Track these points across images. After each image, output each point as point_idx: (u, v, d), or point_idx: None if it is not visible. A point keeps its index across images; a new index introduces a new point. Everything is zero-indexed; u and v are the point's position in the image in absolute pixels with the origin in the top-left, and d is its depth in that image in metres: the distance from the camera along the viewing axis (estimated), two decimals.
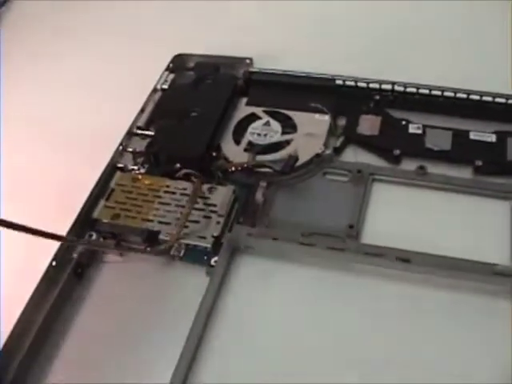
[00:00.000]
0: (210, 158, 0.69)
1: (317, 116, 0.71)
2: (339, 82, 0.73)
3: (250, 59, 0.79)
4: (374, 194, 0.66)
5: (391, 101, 0.72)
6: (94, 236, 0.65)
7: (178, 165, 0.67)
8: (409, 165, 0.67)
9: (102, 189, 0.68)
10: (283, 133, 0.70)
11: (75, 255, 0.64)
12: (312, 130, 0.70)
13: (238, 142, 0.71)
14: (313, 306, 0.59)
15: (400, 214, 0.64)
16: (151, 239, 0.63)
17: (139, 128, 0.73)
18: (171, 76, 0.79)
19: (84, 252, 0.64)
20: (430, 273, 0.58)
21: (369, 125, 0.70)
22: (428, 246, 0.59)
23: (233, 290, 0.61)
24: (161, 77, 0.79)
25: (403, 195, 0.66)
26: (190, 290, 0.61)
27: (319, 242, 0.61)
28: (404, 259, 0.58)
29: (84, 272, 0.64)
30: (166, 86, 0.78)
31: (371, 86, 0.72)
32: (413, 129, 0.69)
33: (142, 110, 0.75)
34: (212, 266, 0.61)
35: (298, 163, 0.66)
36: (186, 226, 0.63)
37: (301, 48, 0.84)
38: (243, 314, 0.60)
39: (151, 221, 0.64)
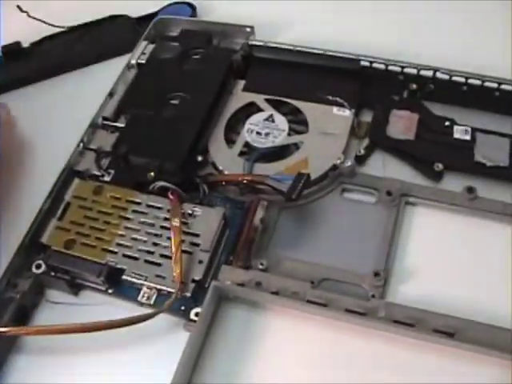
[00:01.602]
0: (195, 164, 0.51)
1: (335, 110, 0.52)
2: (365, 63, 0.54)
3: (251, 27, 0.58)
4: (407, 222, 0.48)
5: (431, 92, 0.53)
6: (43, 267, 0.47)
7: (151, 174, 0.49)
8: (454, 183, 0.49)
9: (54, 202, 0.50)
10: (291, 132, 0.52)
11: (17, 294, 0.47)
12: (328, 128, 0.51)
13: (231, 142, 0.52)
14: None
15: (443, 253, 0.47)
16: (112, 279, 0.46)
17: (106, 119, 0.54)
18: (151, 47, 0.58)
19: (29, 289, 0.47)
20: (483, 353, 0.41)
21: (402, 125, 0.52)
22: (482, 306, 0.43)
23: (218, 353, 0.45)
24: (137, 48, 0.58)
25: (447, 226, 0.48)
26: (164, 345, 0.45)
27: (333, 299, 0.43)
28: (447, 332, 0.41)
29: (28, 315, 0.47)
30: (143, 61, 0.57)
31: (407, 70, 0.53)
32: (459, 133, 0.51)
33: (111, 94, 0.55)
34: (192, 321, 0.44)
35: (311, 177, 0.48)
36: (158, 264, 0.46)
37: (317, 18, 0.63)
38: None
39: (114, 253, 0.47)
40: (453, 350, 0.41)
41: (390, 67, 0.53)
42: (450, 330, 0.41)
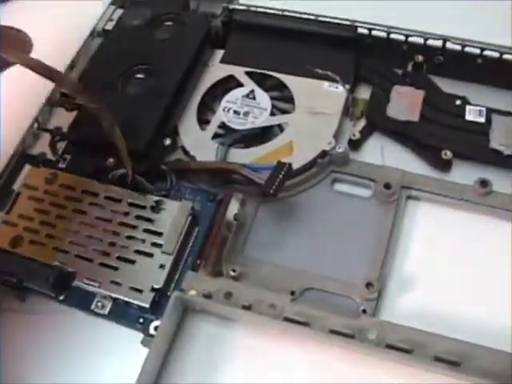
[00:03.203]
0: (161, 148, 0.41)
1: (326, 85, 0.43)
2: (363, 30, 0.44)
3: None
4: (408, 220, 0.39)
5: (440, 65, 0.44)
6: None
7: (111, 160, 0.40)
8: (464, 174, 0.40)
9: (2, 192, 0.41)
10: (274, 111, 0.43)
11: None
12: (318, 107, 0.42)
13: (204, 122, 0.43)
14: None
15: (450, 259, 0.38)
16: (63, 284, 0.38)
17: (64, 95, 0.43)
18: (119, 12, 0.49)
19: None
20: None
21: (405, 103, 0.42)
22: (495, 327, 0.34)
23: (181, 373, 0.36)
24: (103, 13, 0.49)
25: (455, 226, 0.39)
26: (120, 361, 0.37)
27: (315, 316, 0.35)
28: (452, 361, 0.32)
29: None
30: (109, 27, 0.48)
31: (412, 40, 0.43)
32: (472, 114, 0.41)
33: (72, 66, 0.46)
34: (151, 336, 0.36)
35: (296, 164, 0.39)
36: (114, 268, 0.37)
37: None
38: None
39: (65, 252, 0.39)
40: (458, 382, 0.33)
41: (393, 35, 0.44)
42: (455, 359, 0.32)
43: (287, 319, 0.35)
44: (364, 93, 0.44)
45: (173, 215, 0.38)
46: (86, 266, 0.38)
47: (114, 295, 0.37)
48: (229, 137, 0.41)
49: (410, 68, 0.44)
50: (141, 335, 0.37)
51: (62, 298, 0.38)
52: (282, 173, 0.36)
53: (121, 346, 0.37)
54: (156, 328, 0.36)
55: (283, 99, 0.43)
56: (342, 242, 0.38)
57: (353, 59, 0.44)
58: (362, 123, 0.42)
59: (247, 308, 0.35)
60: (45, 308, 0.39)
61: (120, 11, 0.49)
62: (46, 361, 0.38)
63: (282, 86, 0.43)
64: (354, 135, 0.41)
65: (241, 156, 0.40)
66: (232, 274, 0.37)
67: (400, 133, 0.42)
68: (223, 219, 0.38)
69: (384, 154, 0.41)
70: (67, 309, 0.38)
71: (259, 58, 0.44)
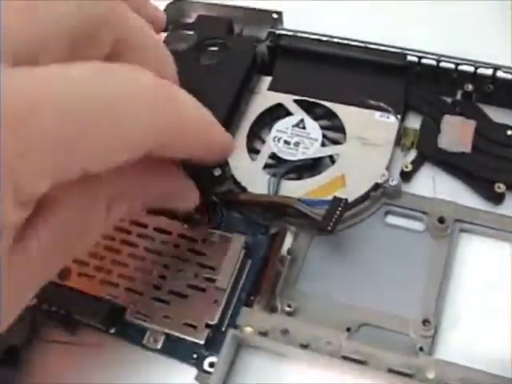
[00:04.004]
0: (211, 178, 0.40)
1: (378, 115, 0.42)
2: (412, 58, 0.43)
3: (279, 13, 0.46)
4: (461, 254, 0.38)
5: (490, 93, 0.42)
6: (35, 300, 0.37)
7: None
8: None
9: None
10: (324, 141, 0.41)
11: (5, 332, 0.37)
12: (370, 138, 0.41)
13: (253, 151, 0.42)
14: None
15: (504, 293, 0.36)
16: (114, 317, 0.37)
17: None
18: (162, 36, 0.46)
19: (19, 325, 0.37)
20: None
21: (456, 133, 0.41)
22: None
23: None
24: None
25: (509, 260, 0.38)
26: None
27: (374, 355, 0.33)
28: None
29: (18, 357, 0.38)
30: None
31: (462, 68, 0.42)
32: None
33: None
34: (205, 372, 0.35)
35: (350, 198, 0.37)
36: (165, 302, 0.36)
37: (356, 4, 0.50)
38: None
39: (115, 285, 0.38)
40: None
41: (442, 63, 0.42)
42: None
43: (345, 357, 0.34)
44: (412, 122, 0.43)
45: (225, 249, 0.37)
46: (137, 299, 0.37)
47: (167, 331, 0.36)
48: (280, 168, 0.40)
49: (458, 96, 0.43)
50: (192, 369, 0.36)
51: (112, 331, 0.37)
52: (339, 209, 0.35)
53: (172, 379, 0.36)
54: (211, 364, 0.35)
55: (333, 128, 0.42)
56: (395, 276, 0.37)
57: (402, 87, 0.42)
58: (412, 154, 0.41)
59: (304, 346, 0.34)
60: (94, 340, 0.38)
61: (163, 35, 0.47)
62: None
63: (332, 115, 0.42)
64: (406, 167, 0.40)
65: (292, 188, 0.39)
66: (287, 309, 0.36)
67: (452, 164, 0.40)
68: (279, 254, 0.36)
69: (435, 185, 0.40)
70: (118, 341, 0.38)
71: (307, 86, 0.43)
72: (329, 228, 0.35)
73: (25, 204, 0.24)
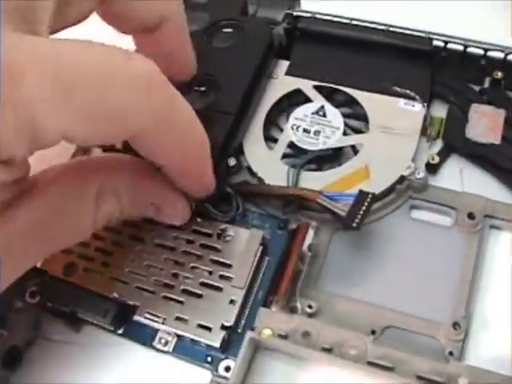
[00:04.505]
0: (226, 169, 0.38)
1: (402, 103, 0.39)
2: (438, 42, 0.40)
3: None
4: (491, 252, 0.35)
5: None
6: (38, 297, 0.35)
7: None
8: None
9: None
10: (345, 129, 0.38)
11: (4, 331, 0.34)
12: (394, 126, 0.38)
13: (269, 140, 0.39)
14: None
15: None
16: (122, 317, 0.34)
17: None
18: None
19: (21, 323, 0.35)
20: None
21: (485, 123, 0.38)
22: None
23: None
24: None
25: None
26: None
27: (402, 360, 0.31)
28: None
29: (20, 357, 0.35)
30: None
31: (491, 54, 0.39)
32: None
33: None
34: (222, 377, 0.32)
35: (374, 191, 0.34)
36: (178, 302, 0.33)
37: None
38: None
39: (125, 283, 0.35)
40: None
41: (470, 49, 0.40)
42: None
43: (370, 363, 0.32)
44: (438, 111, 0.40)
45: (242, 245, 0.34)
46: (148, 298, 0.34)
47: (179, 332, 0.33)
48: (300, 158, 0.37)
49: (486, 84, 0.40)
50: (205, 373, 0.33)
51: (120, 331, 0.35)
52: (366, 203, 0.33)
53: (182, 380, 0.34)
54: (227, 369, 0.32)
55: (355, 116, 0.39)
56: (422, 274, 0.35)
57: (428, 74, 0.39)
58: (438, 144, 0.39)
59: (327, 350, 0.32)
60: (100, 340, 0.35)
61: None
62: None
63: (353, 103, 0.39)
64: (432, 158, 0.37)
65: (313, 180, 0.36)
66: (308, 310, 0.33)
67: (480, 156, 0.38)
68: (300, 251, 0.34)
69: (463, 178, 0.38)
70: (126, 341, 0.35)
71: (326, 71, 0.40)
72: (354, 224, 0.32)
73: (5, 164, 0.24)
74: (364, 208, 0.32)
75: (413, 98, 0.38)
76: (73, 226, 0.30)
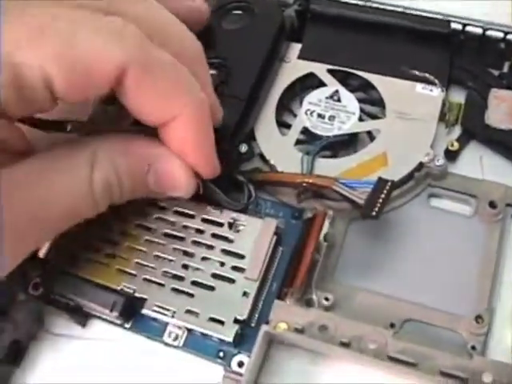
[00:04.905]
0: (237, 155, 0.36)
1: (420, 88, 0.37)
2: (456, 25, 0.38)
3: None
4: None
5: None
6: (42, 289, 0.33)
7: None
8: None
9: None
10: (361, 115, 0.37)
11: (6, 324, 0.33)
12: (411, 112, 0.36)
13: (282, 125, 0.37)
14: None
15: None
16: (130, 310, 0.32)
17: None
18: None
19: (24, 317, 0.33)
20: None
21: (505, 109, 0.36)
22: None
23: None
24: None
25: None
26: None
27: (424, 355, 0.29)
28: None
29: (21, 353, 0.33)
30: None
31: (511, 37, 0.37)
32: None
33: None
34: (235, 373, 0.31)
35: (392, 178, 0.33)
36: (189, 294, 0.32)
37: None
38: None
39: (132, 275, 0.33)
40: None
41: (489, 32, 0.38)
42: None
43: (391, 358, 0.30)
44: (456, 96, 0.38)
45: (255, 234, 0.32)
46: (157, 291, 0.32)
47: (190, 326, 0.31)
48: (315, 145, 0.35)
49: (506, 68, 0.38)
50: (217, 368, 0.32)
51: (128, 325, 0.33)
52: (385, 191, 0.31)
53: (195, 379, 0.32)
54: (240, 364, 0.31)
55: (370, 102, 0.37)
56: (442, 265, 0.33)
57: (447, 58, 0.37)
58: (456, 131, 0.37)
59: (346, 345, 0.30)
60: (107, 334, 0.34)
61: None
62: None
63: (369, 87, 0.37)
64: (452, 145, 0.36)
65: (328, 167, 0.35)
66: (325, 303, 0.31)
67: (500, 142, 0.36)
68: (317, 241, 0.32)
69: (483, 165, 0.36)
70: (133, 336, 0.33)
71: (340, 54, 0.38)
72: (373, 213, 0.30)
73: None
74: (383, 196, 0.31)
75: (431, 83, 0.36)
76: (69, 190, 0.29)
